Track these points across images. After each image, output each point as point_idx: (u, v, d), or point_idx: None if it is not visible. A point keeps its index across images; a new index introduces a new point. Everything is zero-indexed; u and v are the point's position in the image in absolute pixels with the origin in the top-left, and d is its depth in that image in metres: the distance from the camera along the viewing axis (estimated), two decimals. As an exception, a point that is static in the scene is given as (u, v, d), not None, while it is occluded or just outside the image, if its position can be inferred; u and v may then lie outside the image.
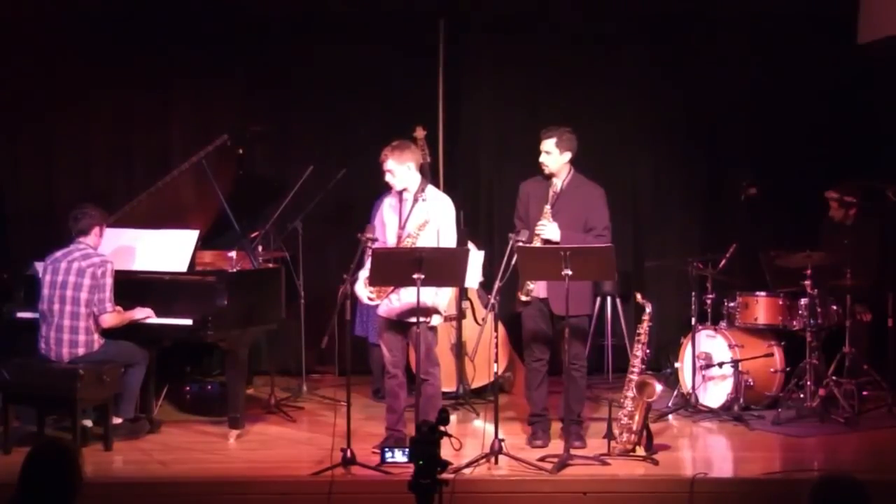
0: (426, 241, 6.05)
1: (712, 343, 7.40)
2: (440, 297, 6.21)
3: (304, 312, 7.79)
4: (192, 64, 8.74)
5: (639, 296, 6.65)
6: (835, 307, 7.29)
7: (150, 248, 6.82)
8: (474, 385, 7.70)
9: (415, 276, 5.70)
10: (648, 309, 6.50)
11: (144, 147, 8.81)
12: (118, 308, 6.47)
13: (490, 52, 8.85)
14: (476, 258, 7.00)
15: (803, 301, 7.15)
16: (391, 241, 6.17)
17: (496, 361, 6.07)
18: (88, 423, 6.59)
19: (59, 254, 6.47)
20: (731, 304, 7.47)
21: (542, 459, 5.97)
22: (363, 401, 7.65)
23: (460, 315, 7.64)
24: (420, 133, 7.76)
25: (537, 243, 6.26)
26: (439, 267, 5.81)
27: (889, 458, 6.31)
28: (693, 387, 7.28)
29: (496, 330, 6.06)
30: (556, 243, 6.20)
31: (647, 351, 6.49)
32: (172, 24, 8.60)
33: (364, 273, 6.06)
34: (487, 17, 8.76)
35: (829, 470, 5.87)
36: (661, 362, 8.48)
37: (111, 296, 6.42)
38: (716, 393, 7.34)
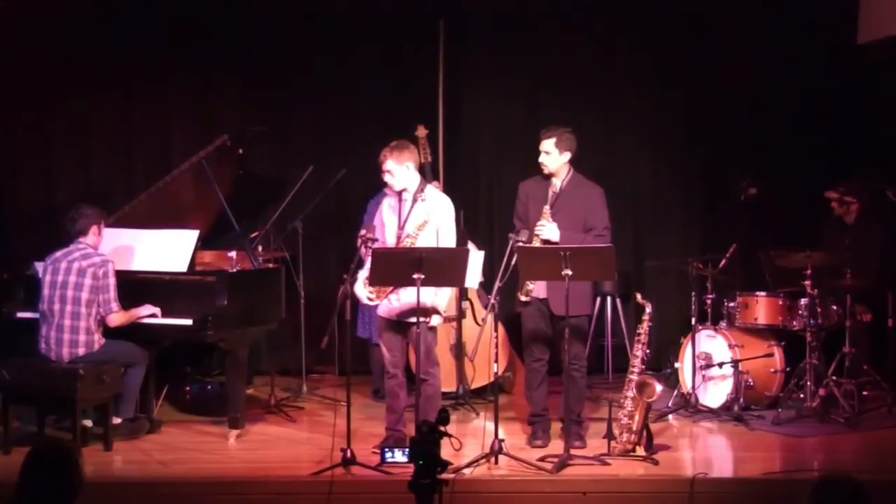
0: (425, 241, 6.05)
1: (712, 343, 7.41)
2: (440, 298, 6.20)
3: (304, 312, 7.79)
4: (192, 64, 8.75)
5: (639, 296, 6.65)
6: (835, 307, 7.29)
7: (150, 248, 6.82)
8: (474, 385, 7.70)
9: (414, 276, 5.70)
10: (648, 309, 6.50)
11: (144, 147, 8.81)
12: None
13: (490, 52, 8.85)
14: (476, 258, 7.00)
15: (803, 301, 7.15)
16: (390, 242, 6.17)
17: (496, 361, 6.08)
18: (88, 423, 6.59)
19: (59, 254, 6.47)
20: (731, 304, 7.47)
21: (542, 459, 5.97)
22: (363, 401, 7.65)
23: (460, 315, 7.64)
24: (422, 132, 7.77)
25: (537, 243, 6.26)
26: (439, 267, 5.80)
27: (889, 458, 6.31)
28: (693, 387, 7.28)
29: (496, 330, 6.06)
30: (556, 243, 6.20)
31: (647, 351, 6.49)
32: (172, 24, 8.60)
33: (364, 273, 6.06)
34: (487, 16, 8.77)
35: (829, 470, 5.87)
36: (661, 362, 8.49)
37: (115, 295, 6.42)
38: (716, 393, 7.34)
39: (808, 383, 7.00)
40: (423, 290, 5.79)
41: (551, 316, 6.37)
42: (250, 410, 7.13)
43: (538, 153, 6.42)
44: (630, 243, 8.67)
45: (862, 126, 8.39)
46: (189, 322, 6.54)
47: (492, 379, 6.45)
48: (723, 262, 7.53)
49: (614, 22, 8.71)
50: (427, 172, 7.39)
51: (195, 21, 8.62)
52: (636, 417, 6.21)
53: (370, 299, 6.15)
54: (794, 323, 7.24)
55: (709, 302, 7.53)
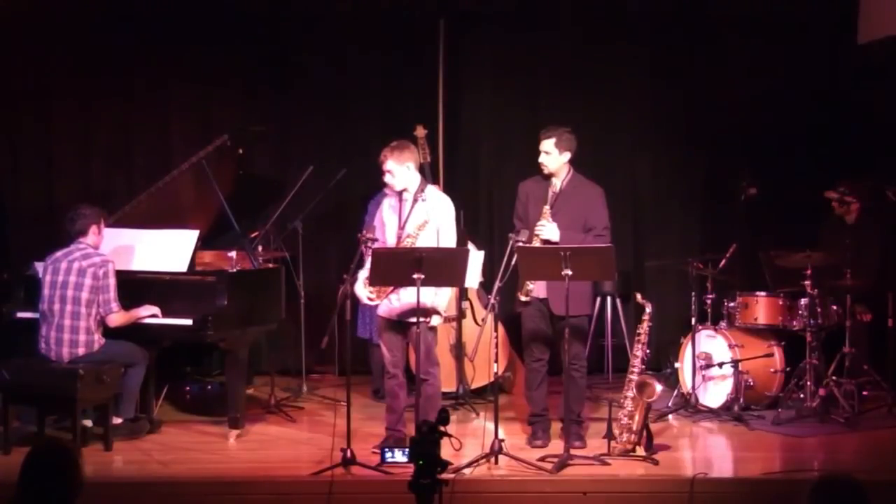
0: (426, 241, 6.04)
1: (712, 343, 7.41)
2: (440, 298, 6.20)
3: (304, 312, 7.79)
4: (192, 64, 8.74)
5: (639, 296, 6.65)
6: (835, 307, 7.29)
7: (150, 248, 6.82)
8: (474, 385, 7.70)
9: (414, 276, 5.70)
10: (648, 309, 6.50)
11: (144, 147, 8.81)
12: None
13: (490, 52, 8.85)
14: (476, 258, 7.00)
15: (803, 301, 7.15)
16: (391, 242, 6.17)
17: (496, 361, 6.07)
18: (88, 423, 6.59)
19: (59, 254, 6.47)
20: (731, 304, 7.47)
21: (542, 459, 5.97)
22: (363, 401, 7.65)
23: (460, 315, 7.64)
24: (421, 132, 7.76)
25: (536, 243, 6.26)
26: (439, 267, 5.80)
27: (889, 458, 6.31)
28: (693, 387, 7.28)
29: (496, 330, 6.06)
30: (556, 243, 6.20)
31: (647, 351, 6.49)
32: (172, 24, 8.60)
33: (364, 273, 6.06)
34: (487, 16, 8.77)
35: (829, 470, 5.87)
36: (661, 362, 8.48)
37: (115, 295, 6.42)
38: (716, 393, 7.34)
39: (808, 383, 7.00)
40: (424, 290, 5.79)
41: (551, 316, 6.37)
42: (250, 410, 7.13)
43: (538, 153, 6.42)
44: (630, 243, 8.67)
45: (862, 126, 8.38)
46: (189, 322, 6.54)
47: (492, 379, 6.45)
48: (723, 262, 7.53)
49: (614, 22, 8.70)
50: (427, 173, 7.39)
51: (195, 21, 8.60)
52: (636, 417, 6.21)
53: (370, 299, 6.15)
54: (794, 323, 7.24)
55: (709, 302, 7.53)
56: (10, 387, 6.36)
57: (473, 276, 6.91)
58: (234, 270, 6.82)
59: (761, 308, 7.36)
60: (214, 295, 6.58)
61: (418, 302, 5.77)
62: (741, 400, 7.20)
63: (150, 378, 6.84)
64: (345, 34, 8.70)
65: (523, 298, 6.38)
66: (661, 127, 8.83)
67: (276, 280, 7.13)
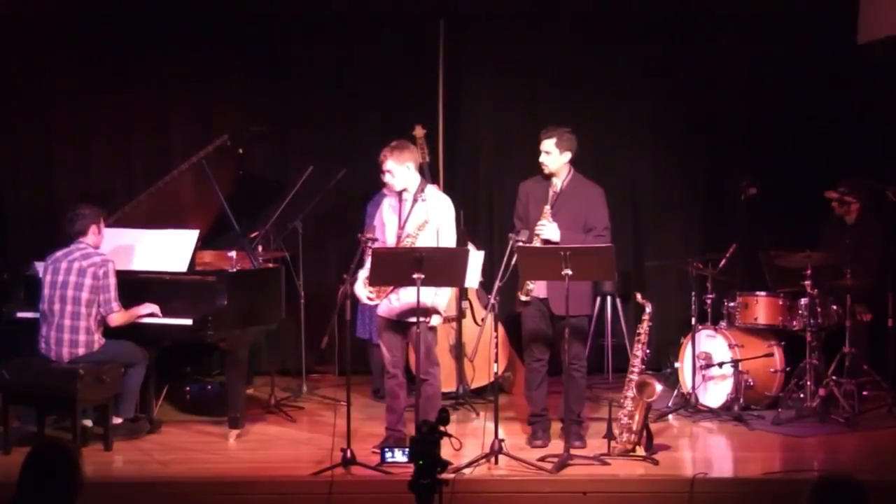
0: (426, 241, 6.05)
1: (712, 343, 7.41)
2: (440, 298, 6.20)
3: (304, 312, 7.79)
4: (192, 64, 8.74)
5: (639, 296, 6.65)
6: (835, 307, 7.29)
7: (150, 248, 6.82)
8: (474, 385, 7.70)
9: (414, 276, 5.70)
10: (648, 309, 6.50)
11: (144, 147, 8.81)
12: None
13: (490, 52, 8.85)
14: (476, 258, 7.00)
15: (803, 301, 7.15)
16: (391, 242, 6.17)
17: (496, 361, 6.07)
18: (88, 423, 6.60)
19: (59, 254, 6.47)
20: (731, 304, 7.47)
21: (542, 459, 5.97)
22: (363, 401, 7.65)
23: (460, 315, 7.64)
24: (420, 132, 7.76)
25: (537, 243, 6.26)
26: (439, 267, 5.81)
27: (889, 458, 6.31)
28: (693, 387, 7.28)
29: (496, 330, 6.06)
30: (556, 243, 6.20)
31: (647, 351, 6.49)
32: (172, 24, 8.60)
33: (364, 273, 6.06)
34: (487, 16, 8.77)
35: (829, 470, 5.88)
36: (661, 362, 8.49)
37: (116, 295, 6.43)
38: (716, 393, 7.34)
39: (808, 383, 7.00)
40: (423, 290, 5.79)
41: (551, 316, 6.37)
42: (250, 410, 7.13)
43: (538, 153, 6.42)
44: (630, 243, 8.67)
45: (862, 126, 8.39)
46: (189, 322, 6.54)
47: (492, 379, 6.45)
48: (723, 262, 7.53)
49: (614, 21, 8.70)
50: (426, 173, 7.39)
51: (195, 21, 8.61)
52: (636, 417, 6.21)
53: (370, 299, 6.15)
54: (794, 323, 7.24)
55: (709, 302, 7.53)
56: (10, 387, 6.36)
57: (473, 276, 6.91)
58: (234, 270, 6.82)
59: (761, 308, 7.36)
60: (214, 295, 6.58)
61: (418, 302, 5.77)
62: (741, 400, 7.20)
63: (150, 378, 6.84)
64: (345, 34, 8.70)
65: (523, 298, 6.38)
66: (661, 127, 8.83)
67: (276, 280, 7.13)
